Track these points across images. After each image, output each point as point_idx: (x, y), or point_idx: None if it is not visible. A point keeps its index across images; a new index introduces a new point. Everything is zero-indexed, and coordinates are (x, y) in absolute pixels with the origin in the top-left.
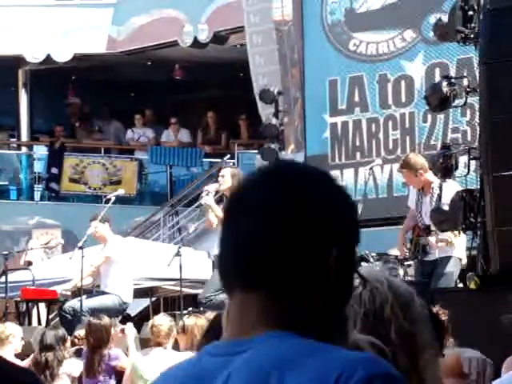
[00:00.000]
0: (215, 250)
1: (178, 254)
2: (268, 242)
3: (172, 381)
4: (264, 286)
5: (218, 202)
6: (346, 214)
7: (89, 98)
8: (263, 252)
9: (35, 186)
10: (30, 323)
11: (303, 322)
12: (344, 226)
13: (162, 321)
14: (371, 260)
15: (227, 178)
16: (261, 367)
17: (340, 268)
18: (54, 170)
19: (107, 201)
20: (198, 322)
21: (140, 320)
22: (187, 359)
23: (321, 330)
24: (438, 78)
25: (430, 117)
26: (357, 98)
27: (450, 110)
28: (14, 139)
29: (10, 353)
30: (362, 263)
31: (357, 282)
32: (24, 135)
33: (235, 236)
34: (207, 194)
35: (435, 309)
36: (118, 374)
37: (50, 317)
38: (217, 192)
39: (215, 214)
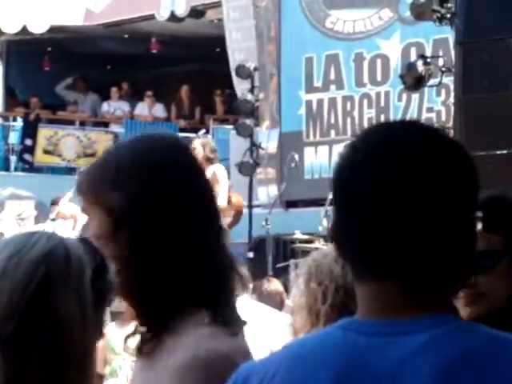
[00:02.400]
0: None
1: None
2: (394, 236)
3: (309, 360)
4: (400, 281)
5: None
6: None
7: (65, 70)
8: (392, 246)
9: (10, 156)
10: None
11: (450, 302)
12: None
13: None
14: None
15: (199, 150)
16: (450, 358)
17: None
18: (28, 142)
19: (80, 173)
20: None
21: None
22: (315, 335)
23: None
24: (413, 58)
25: (405, 96)
26: (332, 76)
27: (425, 89)
28: None
29: None
30: None
31: (328, 257)
32: None
33: (354, 223)
34: None
35: None
36: None
37: None
38: None
39: None
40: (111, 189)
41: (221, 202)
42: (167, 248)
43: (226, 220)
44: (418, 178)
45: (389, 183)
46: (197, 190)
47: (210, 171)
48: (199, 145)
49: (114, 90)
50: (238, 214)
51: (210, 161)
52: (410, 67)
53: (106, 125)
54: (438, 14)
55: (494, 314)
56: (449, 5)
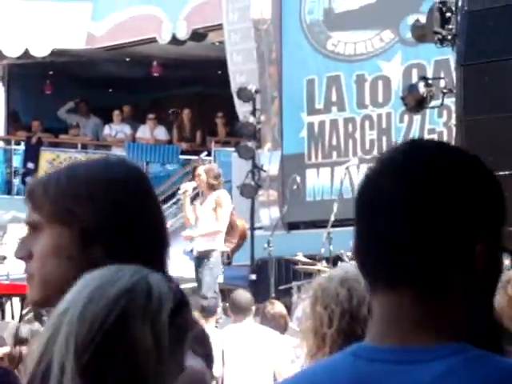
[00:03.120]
0: (196, 247)
1: None
2: (412, 243)
3: None
4: (415, 286)
5: (195, 197)
6: (492, 199)
7: (67, 94)
8: (409, 254)
9: (13, 180)
10: (3, 318)
11: (462, 326)
12: (490, 214)
13: None
14: (346, 259)
15: (203, 177)
16: None
17: (488, 262)
18: (30, 165)
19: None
20: None
21: None
22: (326, 362)
23: (478, 334)
24: (415, 79)
25: (406, 117)
26: (334, 98)
27: (427, 110)
28: None
29: None
30: (338, 263)
31: (333, 280)
32: (1, 129)
33: (374, 236)
34: (184, 192)
35: None
36: None
37: (24, 312)
38: (194, 189)
39: (186, 213)
40: (82, 203)
41: (222, 226)
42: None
43: (230, 245)
44: (439, 195)
45: (410, 201)
46: (159, 219)
47: (213, 196)
48: (203, 171)
49: (116, 112)
50: (242, 239)
51: (212, 187)
52: (411, 89)
53: (107, 148)
54: (439, 36)
55: None
56: (450, 26)
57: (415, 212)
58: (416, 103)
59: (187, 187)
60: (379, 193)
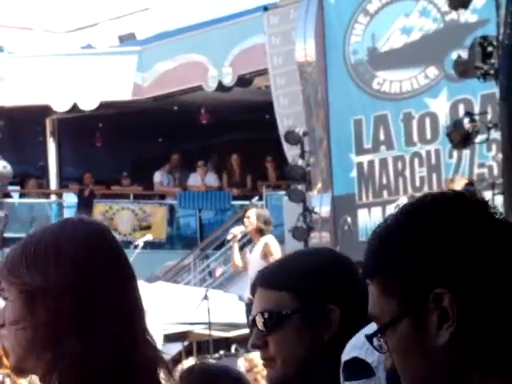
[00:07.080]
0: (247, 292)
1: (205, 297)
2: None
3: None
4: None
5: (246, 243)
6: None
7: (117, 145)
8: None
9: None
10: None
11: None
12: None
13: None
14: None
15: (252, 219)
16: None
17: None
18: None
19: (136, 246)
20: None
21: (174, 365)
22: None
23: None
24: (462, 114)
25: (455, 153)
26: (382, 137)
27: (476, 145)
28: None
29: None
30: None
31: None
32: (53, 183)
33: None
34: (233, 237)
35: None
36: None
37: None
38: (243, 235)
39: (234, 258)
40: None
41: None
42: None
43: None
44: None
45: None
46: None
47: (261, 242)
48: (254, 214)
49: (166, 162)
50: None
51: (261, 232)
52: (456, 125)
53: (159, 197)
54: (482, 71)
55: (290, 380)
56: (492, 61)
57: None
58: (461, 139)
59: (235, 232)
60: None
